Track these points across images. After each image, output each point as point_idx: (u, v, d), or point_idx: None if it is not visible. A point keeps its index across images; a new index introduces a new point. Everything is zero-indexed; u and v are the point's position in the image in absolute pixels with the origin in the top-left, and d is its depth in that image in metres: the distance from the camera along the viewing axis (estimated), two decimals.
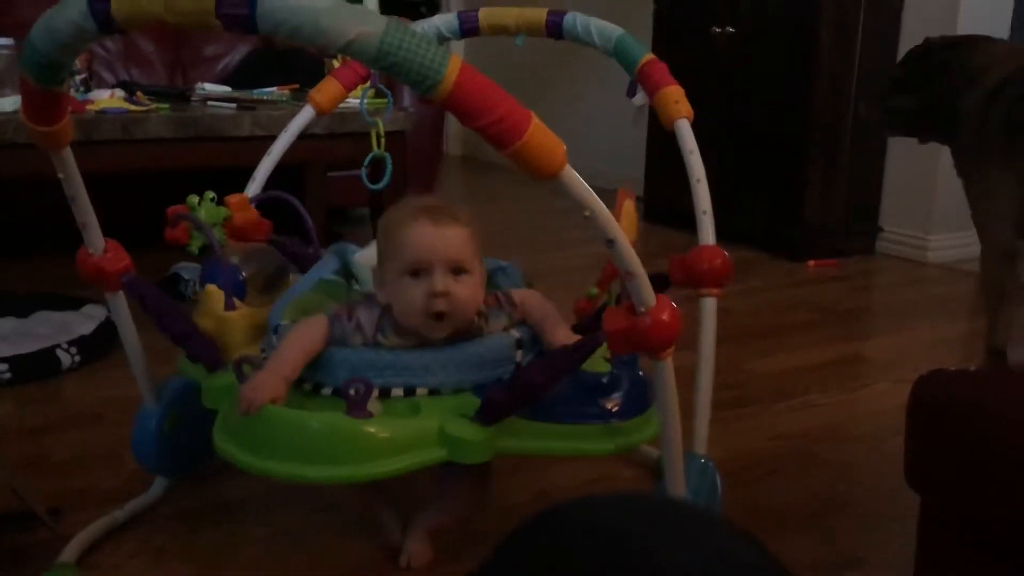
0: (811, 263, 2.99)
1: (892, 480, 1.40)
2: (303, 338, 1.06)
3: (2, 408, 1.73)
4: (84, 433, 1.60)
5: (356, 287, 1.30)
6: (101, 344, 1.96)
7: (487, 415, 0.97)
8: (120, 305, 1.21)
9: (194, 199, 1.31)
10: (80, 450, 1.53)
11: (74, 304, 2.14)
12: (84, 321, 2.03)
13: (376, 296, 1.11)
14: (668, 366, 0.95)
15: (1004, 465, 0.80)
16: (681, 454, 1.05)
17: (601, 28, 1.34)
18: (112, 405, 1.71)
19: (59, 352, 1.88)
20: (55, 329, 1.99)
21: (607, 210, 0.80)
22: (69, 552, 1.18)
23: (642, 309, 0.88)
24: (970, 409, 0.84)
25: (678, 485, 1.06)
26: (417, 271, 1.04)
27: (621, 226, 1.10)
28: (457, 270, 1.05)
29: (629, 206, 1.13)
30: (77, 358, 1.90)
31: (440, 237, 1.04)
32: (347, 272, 1.31)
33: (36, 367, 1.84)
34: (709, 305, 1.29)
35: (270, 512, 1.34)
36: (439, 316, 1.05)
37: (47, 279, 2.40)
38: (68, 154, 0.97)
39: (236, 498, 1.38)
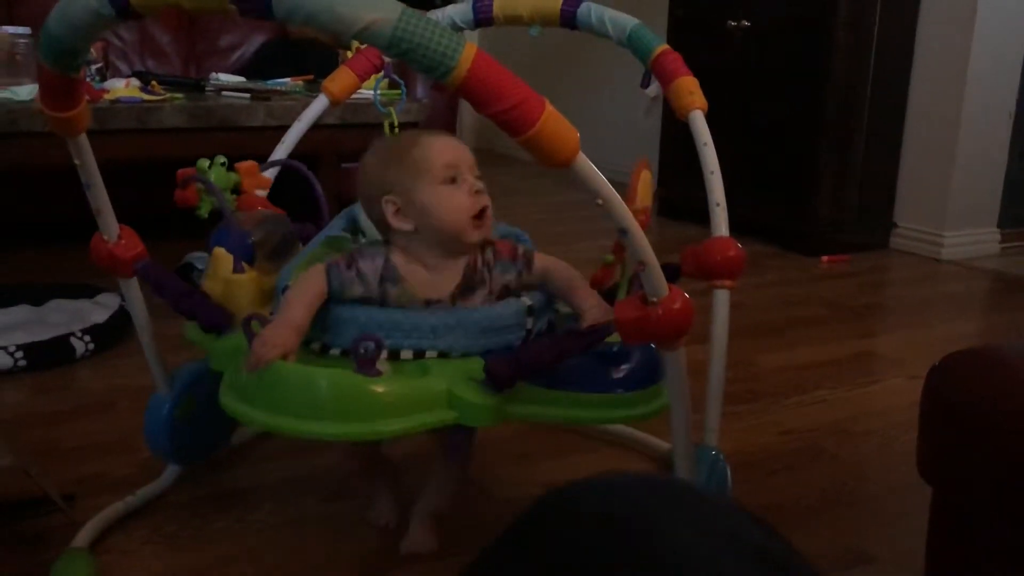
0: (824, 258, 2.98)
1: (903, 476, 1.40)
2: (304, 290, 1.05)
3: (17, 395, 1.75)
4: (97, 420, 1.62)
5: (363, 239, 1.29)
6: (115, 332, 1.98)
7: (491, 386, 0.97)
8: (134, 292, 1.22)
9: (204, 162, 1.29)
10: (93, 437, 1.54)
11: (88, 293, 2.16)
12: (98, 310, 2.05)
13: (398, 232, 1.08)
14: (680, 357, 0.95)
15: (1017, 456, 0.79)
16: (692, 446, 1.05)
17: (615, 19, 1.33)
18: (125, 393, 1.72)
19: (73, 340, 1.89)
20: (69, 317, 2.00)
21: (620, 198, 0.80)
22: (82, 537, 1.19)
23: (654, 299, 0.88)
24: (984, 399, 0.83)
25: (688, 477, 1.06)
26: (453, 178, 1.06)
27: (638, 193, 1.11)
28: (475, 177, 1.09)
29: (646, 175, 1.14)
30: (91, 346, 1.91)
31: (457, 143, 1.09)
32: (355, 229, 1.30)
33: (51, 355, 1.86)
34: (722, 297, 1.28)
35: (280, 500, 1.35)
36: (482, 213, 1.07)
37: (62, 268, 2.42)
38: (84, 140, 0.97)
39: (247, 486, 1.39)
